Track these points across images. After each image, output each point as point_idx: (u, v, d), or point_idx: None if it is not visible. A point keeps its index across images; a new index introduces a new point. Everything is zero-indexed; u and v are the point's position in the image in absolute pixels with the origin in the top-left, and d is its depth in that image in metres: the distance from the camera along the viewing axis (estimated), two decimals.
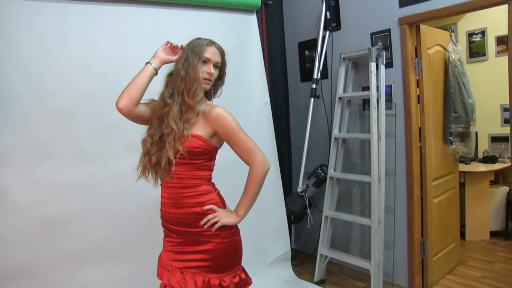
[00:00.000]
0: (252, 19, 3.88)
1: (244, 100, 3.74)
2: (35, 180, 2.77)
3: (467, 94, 3.92)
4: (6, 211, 2.68)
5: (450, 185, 4.12)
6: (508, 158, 5.16)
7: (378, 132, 3.53)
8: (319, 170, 4.00)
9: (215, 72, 2.07)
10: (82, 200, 2.93)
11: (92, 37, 2.98)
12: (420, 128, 3.68)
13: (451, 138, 3.89)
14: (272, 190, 3.91)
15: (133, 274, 3.03)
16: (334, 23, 4.09)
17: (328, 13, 4.06)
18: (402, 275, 3.73)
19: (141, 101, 2.05)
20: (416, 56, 3.60)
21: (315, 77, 4.09)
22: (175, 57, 2.09)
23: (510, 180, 5.20)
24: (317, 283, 3.95)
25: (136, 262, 3.06)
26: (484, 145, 5.38)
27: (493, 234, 5.03)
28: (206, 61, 2.03)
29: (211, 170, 2.13)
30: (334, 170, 3.95)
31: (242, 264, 2.21)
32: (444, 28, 4.68)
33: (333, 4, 4.04)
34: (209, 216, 2.03)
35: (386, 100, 3.60)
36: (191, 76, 1.98)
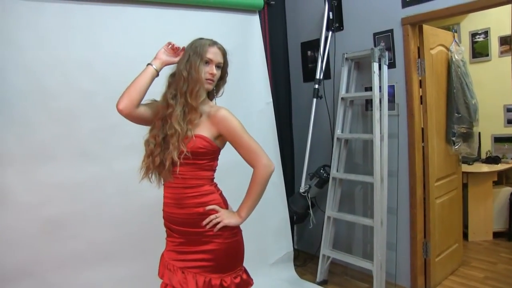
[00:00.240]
0: (255, 19, 3.88)
1: (246, 101, 3.74)
2: (37, 181, 2.77)
3: (470, 95, 3.91)
4: (8, 211, 2.68)
5: (453, 186, 4.11)
6: (511, 158, 5.15)
7: (380, 133, 3.53)
8: (321, 171, 4.00)
9: (217, 73, 2.06)
10: (84, 200, 2.93)
11: (94, 38, 2.98)
12: (423, 129, 3.68)
13: (454, 138, 3.89)
14: (275, 191, 3.90)
15: (135, 274, 3.03)
16: (336, 23, 4.08)
17: (330, 13, 4.05)
18: (404, 275, 3.73)
19: (142, 102, 2.05)
20: (419, 57, 3.59)
21: (317, 77, 4.08)
22: (176, 59, 2.07)
23: None
24: (320, 283, 3.94)
25: (137, 262, 3.06)
26: (487, 146, 5.37)
27: (496, 234, 5.02)
28: (208, 62, 2.03)
29: (214, 170, 2.13)
30: (337, 171, 3.95)
31: (244, 264, 2.20)
32: (447, 28, 4.68)
33: (335, 4, 4.04)
34: (211, 217, 2.03)
35: (389, 101, 3.59)
36: (193, 77, 1.97)
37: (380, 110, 3.54)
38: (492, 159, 5.16)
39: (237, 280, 2.10)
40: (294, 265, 4.17)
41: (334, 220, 4.00)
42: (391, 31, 3.62)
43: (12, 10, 2.66)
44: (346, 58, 3.88)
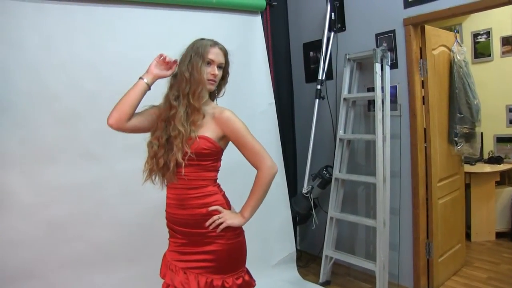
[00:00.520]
0: (257, 20, 3.88)
1: (249, 101, 3.74)
2: (40, 182, 2.78)
3: (472, 95, 3.90)
4: (11, 212, 2.68)
5: (455, 186, 4.11)
6: None
7: (383, 133, 3.53)
8: (324, 171, 4.00)
9: (219, 73, 2.07)
10: (87, 201, 2.93)
11: (98, 39, 2.99)
12: (425, 129, 3.68)
13: (456, 139, 3.88)
14: (277, 191, 3.90)
15: (137, 274, 3.03)
16: (339, 24, 4.08)
17: (332, 14, 4.06)
18: (407, 276, 3.73)
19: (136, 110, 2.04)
20: (421, 57, 3.59)
21: (320, 78, 4.08)
22: (169, 72, 2.06)
23: None
24: (322, 284, 3.94)
25: (140, 263, 3.07)
26: (489, 146, 5.36)
27: (499, 235, 5.02)
28: (210, 63, 2.03)
29: (217, 171, 2.13)
30: (339, 171, 3.95)
31: (247, 265, 2.21)
32: (449, 28, 4.68)
33: (337, 5, 4.04)
34: (214, 217, 2.03)
35: (391, 101, 3.60)
36: (195, 78, 1.98)
37: (383, 110, 3.54)
38: (494, 159, 5.16)
39: (239, 281, 2.10)
40: (297, 266, 4.16)
41: (336, 221, 4.00)
42: (393, 31, 3.62)
43: (16, 11, 2.67)
44: (348, 59, 3.88)
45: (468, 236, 4.87)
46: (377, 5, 3.74)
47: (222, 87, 2.20)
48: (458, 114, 3.86)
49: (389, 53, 3.59)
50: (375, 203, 3.60)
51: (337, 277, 4.13)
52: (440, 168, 3.80)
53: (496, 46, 5.29)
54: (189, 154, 1.94)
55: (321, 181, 4.00)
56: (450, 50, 3.95)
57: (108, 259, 3.00)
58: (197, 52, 2.01)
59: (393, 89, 3.65)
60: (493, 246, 4.83)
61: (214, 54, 2.04)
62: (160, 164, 2.02)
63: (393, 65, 3.63)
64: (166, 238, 2.22)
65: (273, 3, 4.06)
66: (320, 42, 4.19)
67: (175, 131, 1.96)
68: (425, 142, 3.67)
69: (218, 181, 2.16)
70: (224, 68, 2.13)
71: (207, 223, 2.03)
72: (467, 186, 4.76)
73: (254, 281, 2.21)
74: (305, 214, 4.13)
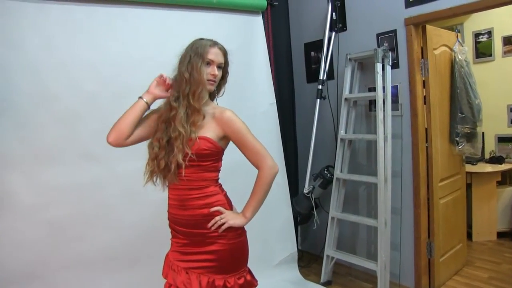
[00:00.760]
0: (258, 20, 3.89)
1: (250, 101, 3.75)
2: (41, 182, 2.78)
3: (474, 95, 3.90)
4: (12, 213, 2.69)
5: (456, 186, 4.11)
6: None
7: (384, 133, 3.53)
8: (325, 171, 4.00)
9: (218, 73, 2.07)
10: (88, 202, 2.94)
11: (98, 39, 2.99)
12: (426, 129, 3.67)
13: (457, 138, 3.88)
14: (279, 191, 3.91)
15: (140, 275, 3.04)
16: (340, 24, 4.08)
17: (334, 14, 4.06)
18: (408, 276, 3.73)
19: None
20: (422, 57, 3.59)
21: (321, 78, 4.09)
22: (168, 93, 2.07)
23: None
24: (324, 284, 3.95)
25: (142, 263, 3.07)
26: (490, 146, 5.36)
27: (500, 235, 5.01)
28: (209, 63, 2.03)
29: (218, 171, 2.13)
30: (341, 171, 3.95)
31: (249, 265, 2.20)
32: (451, 28, 4.67)
33: (339, 5, 4.04)
34: (216, 218, 2.03)
35: (392, 101, 3.59)
36: (195, 79, 1.97)
37: (384, 110, 3.54)
38: (495, 159, 5.16)
39: (241, 281, 2.10)
40: (298, 266, 4.17)
41: (338, 221, 4.01)
42: (395, 31, 3.62)
43: (16, 11, 2.68)
44: (349, 59, 3.88)
45: (469, 235, 4.87)
46: (378, 5, 3.74)
47: (221, 87, 2.20)
48: (460, 114, 3.86)
49: (390, 53, 3.59)
50: (376, 203, 3.60)
51: (339, 277, 4.14)
52: (442, 168, 3.80)
53: (498, 45, 5.28)
54: (189, 155, 1.94)
55: (323, 181, 4.00)
56: (451, 49, 3.95)
57: (110, 260, 3.00)
58: (196, 52, 2.01)
59: (394, 89, 3.64)
60: (494, 246, 4.83)
61: (214, 54, 2.04)
62: (161, 165, 2.02)
63: (394, 65, 3.63)
64: (168, 238, 2.22)
65: (274, 3, 4.07)
66: (321, 42, 4.19)
67: (176, 132, 1.96)
68: (426, 142, 3.67)
69: (219, 181, 2.16)
70: (224, 68, 2.13)
71: (209, 224, 2.03)
72: (469, 186, 4.77)
73: (256, 281, 2.21)
74: (306, 214, 4.13)
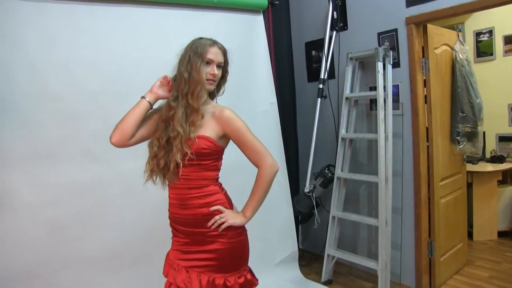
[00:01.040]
0: (259, 19, 3.88)
1: (251, 101, 3.75)
2: (42, 181, 2.78)
3: (475, 94, 3.90)
4: (14, 212, 2.69)
5: (457, 185, 4.11)
6: None
7: (385, 132, 3.53)
8: (326, 170, 4.01)
9: (218, 73, 2.06)
10: (89, 201, 2.94)
11: (100, 38, 3.00)
12: (427, 128, 3.67)
13: (458, 138, 3.88)
14: (279, 190, 3.91)
15: (141, 274, 3.04)
16: (341, 23, 4.08)
17: (335, 13, 4.06)
18: (409, 275, 3.73)
19: None
20: (423, 56, 3.59)
21: (322, 77, 4.09)
22: (170, 94, 2.07)
23: None
24: (325, 283, 3.95)
25: (143, 262, 3.08)
26: (491, 145, 5.35)
27: (501, 234, 5.01)
28: (209, 62, 2.02)
29: (219, 170, 2.13)
30: (341, 170, 3.95)
31: (249, 264, 2.21)
32: (451, 27, 4.66)
33: (340, 3, 4.04)
34: (216, 217, 2.03)
35: (393, 100, 3.59)
36: (194, 78, 1.97)
37: (385, 109, 3.54)
38: (496, 159, 5.16)
39: (241, 280, 2.10)
40: (299, 265, 4.17)
41: (338, 220, 4.01)
42: (396, 30, 3.62)
43: (18, 10, 2.68)
44: (350, 58, 3.88)
45: (470, 235, 4.87)
46: (379, 4, 3.74)
47: (221, 86, 2.20)
48: (460, 113, 3.86)
49: (391, 52, 3.59)
50: (377, 202, 3.60)
51: (339, 276, 4.14)
52: (442, 167, 3.80)
53: (499, 45, 5.28)
54: (189, 154, 1.94)
55: (323, 180, 4.00)
56: (452, 49, 3.95)
57: (110, 259, 3.01)
58: (196, 52, 2.00)
59: (395, 88, 3.64)
60: (495, 245, 4.83)
61: (213, 54, 2.03)
62: (160, 165, 2.02)
63: (395, 64, 3.63)
64: (169, 237, 2.22)
65: (275, 2, 4.06)
66: (322, 41, 4.19)
67: (174, 132, 1.96)
68: (427, 141, 3.67)
69: (220, 180, 2.16)
70: (224, 67, 2.12)
71: (209, 223, 2.03)
72: (469, 185, 4.77)
73: (257, 280, 2.21)
74: (307, 213, 4.13)
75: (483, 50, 5.41)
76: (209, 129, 2.02)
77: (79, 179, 2.90)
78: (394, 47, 3.63)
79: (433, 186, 3.68)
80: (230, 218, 2.04)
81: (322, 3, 4.23)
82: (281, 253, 4.00)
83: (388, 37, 3.67)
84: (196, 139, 1.97)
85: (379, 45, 3.69)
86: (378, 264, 3.52)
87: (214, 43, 2.07)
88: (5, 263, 2.65)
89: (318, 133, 4.07)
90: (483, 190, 4.91)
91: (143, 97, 2.06)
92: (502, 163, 5.09)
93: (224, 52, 2.11)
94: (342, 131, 3.94)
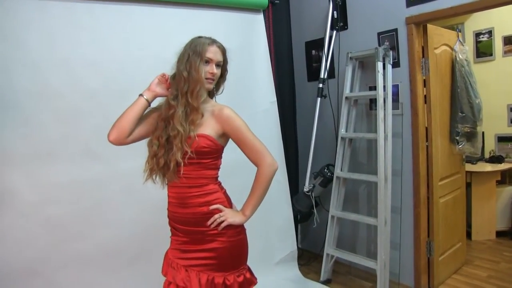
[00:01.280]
0: (259, 18, 3.89)
1: (250, 100, 3.75)
2: (42, 180, 2.78)
3: (474, 94, 3.91)
4: (14, 210, 2.69)
5: (456, 185, 4.11)
6: None
7: (384, 132, 3.53)
8: (325, 170, 4.01)
9: (217, 71, 2.06)
10: (89, 199, 2.94)
11: (100, 37, 2.99)
12: (426, 128, 3.68)
13: (457, 138, 3.89)
14: (279, 190, 3.91)
15: (140, 273, 3.04)
16: (341, 22, 4.09)
17: (335, 12, 4.06)
18: (408, 275, 3.73)
19: None
20: (423, 56, 3.60)
21: (322, 76, 4.09)
22: (168, 92, 2.07)
23: None
24: (324, 282, 3.95)
25: (142, 261, 3.08)
26: (490, 145, 5.36)
27: (500, 234, 5.02)
28: (208, 61, 2.03)
29: (218, 169, 2.14)
30: (341, 170, 3.95)
31: (248, 263, 2.21)
32: (451, 28, 4.67)
33: (340, 3, 4.04)
34: (216, 216, 2.04)
35: (393, 100, 3.60)
36: (193, 77, 1.97)
37: (384, 109, 3.54)
38: (495, 159, 5.16)
39: (240, 278, 2.11)
40: (298, 264, 4.18)
41: (338, 219, 4.01)
42: (396, 30, 3.62)
43: (19, 10, 2.67)
44: (350, 58, 3.88)
45: (468, 235, 4.88)
46: (379, 4, 3.74)
47: (220, 85, 2.20)
48: (460, 113, 3.87)
49: (391, 52, 3.59)
50: (376, 201, 3.60)
51: (338, 275, 4.14)
52: (442, 167, 3.80)
53: (498, 45, 5.28)
54: (189, 153, 1.94)
55: (323, 179, 4.00)
56: (452, 49, 3.95)
57: (110, 257, 3.01)
58: (195, 50, 2.00)
59: (395, 87, 3.65)
60: (493, 245, 4.84)
61: (213, 53, 2.03)
62: (160, 163, 2.03)
63: (395, 64, 3.64)
64: (168, 236, 2.22)
65: (276, 1, 4.07)
66: (322, 40, 4.20)
67: (174, 131, 1.96)
68: (427, 141, 3.68)
69: (219, 179, 2.17)
70: (223, 66, 2.12)
71: (209, 222, 2.03)
72: (468, 185, 4.77)
73: (256, 278, 2.22)
74: (306, 213, 4.14)
75: (483, 51, 5.41)
76: (208, 128, 2.02)
77: (79, 178, 2.90)
78: (394, 47, 3.63)
79: (432, 186, 3.69)
80: (230, 216, 2.05)
81: (322, 3, 4.23)
82: (280, 252, 4.01)
83: (388, 37, 3.67)
84: (196, 137, 1.97)
85: (379, 45, 3.70)
86: (377, 263, 3.53)
87: (213, 42, 2.07)
88: (6, 261, 2.65)
89: (317, 132, 4.07)
90: (482, 190, 4.92)
91: (141, 95, 2.07)
92: (501, 163, 5.10)
93: (223, 51, 2.11)
94: (342, 131, 3.94)
